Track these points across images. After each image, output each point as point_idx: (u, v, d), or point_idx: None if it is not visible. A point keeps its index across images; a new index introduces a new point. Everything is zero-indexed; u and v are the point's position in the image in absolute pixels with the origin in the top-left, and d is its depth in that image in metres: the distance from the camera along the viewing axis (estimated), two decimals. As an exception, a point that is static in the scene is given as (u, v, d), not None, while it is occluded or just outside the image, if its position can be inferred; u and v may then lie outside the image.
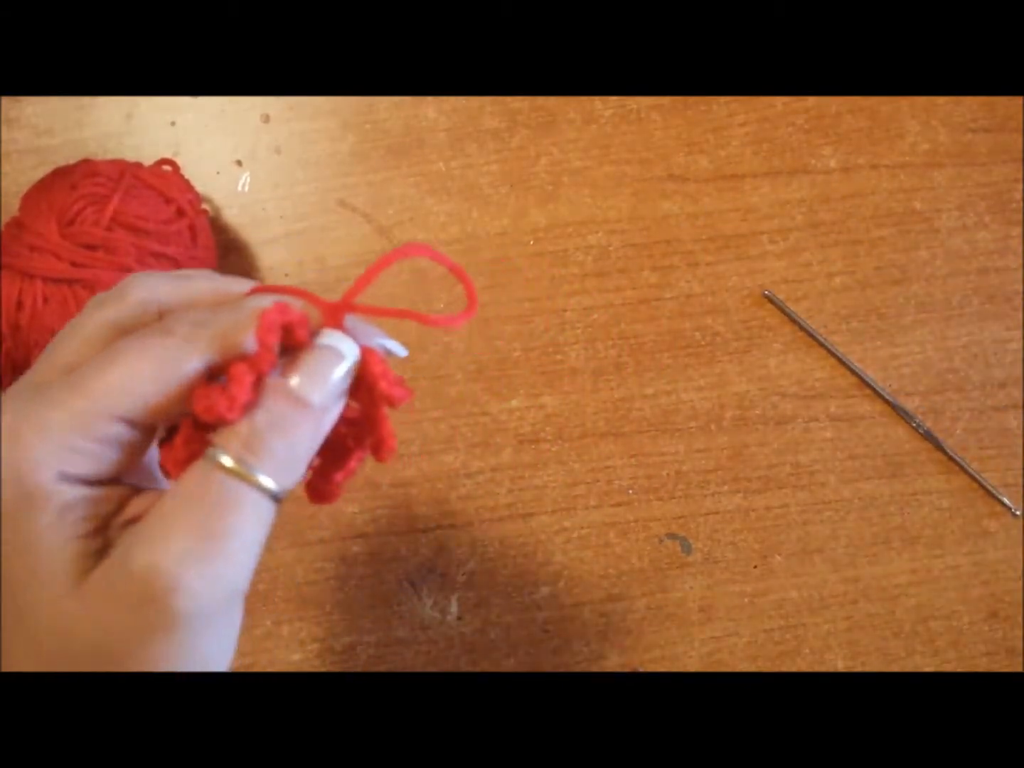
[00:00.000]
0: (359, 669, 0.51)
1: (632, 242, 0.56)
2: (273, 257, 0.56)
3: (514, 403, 0.55)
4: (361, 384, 0.28)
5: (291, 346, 0.27)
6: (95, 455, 0.26)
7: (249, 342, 0.27)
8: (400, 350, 0.30)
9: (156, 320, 0.28)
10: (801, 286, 0.56)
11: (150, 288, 0.28)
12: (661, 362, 0.55)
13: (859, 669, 0.53)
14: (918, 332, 0.56)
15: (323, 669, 0.52)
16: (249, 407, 0.26)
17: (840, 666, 0.53)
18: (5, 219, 0.53)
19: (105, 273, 0.46)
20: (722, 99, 0.58)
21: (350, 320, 0.28)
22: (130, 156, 0.56)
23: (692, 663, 0.52)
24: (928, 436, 0.54)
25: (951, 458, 0.54)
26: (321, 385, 0.27)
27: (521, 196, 0.56)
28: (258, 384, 0.26)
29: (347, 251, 0.56)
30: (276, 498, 0.26)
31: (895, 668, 0.53)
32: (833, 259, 0.56)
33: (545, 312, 0.55)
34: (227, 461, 0.25)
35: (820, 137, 0.58)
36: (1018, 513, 0.54)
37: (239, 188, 0.56)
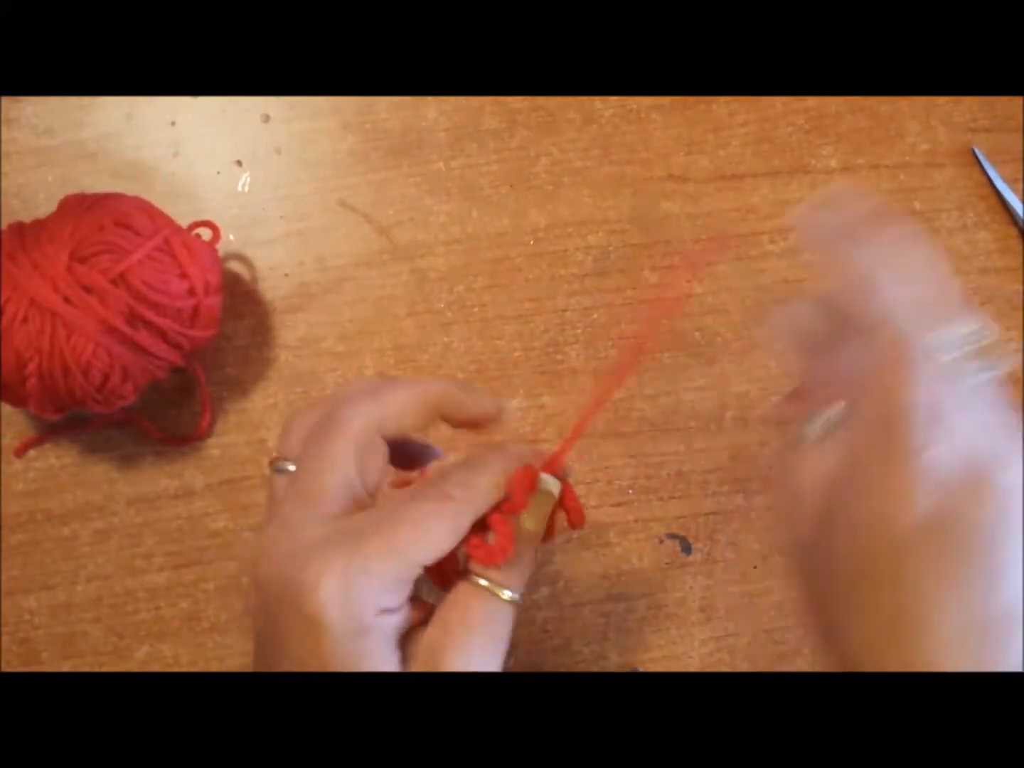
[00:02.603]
0: (359, 669, 0.51)
1: (632, 242, 0.56)
2: (273, 257, 0.56)
3: (514, 403, 0.54)
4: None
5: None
6: (402, 592, 0.33)
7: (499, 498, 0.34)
8: (571, 472, 0.38)
9: (376, 441, 0.35)
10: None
11: (365, 417, 0.35)
12: (661, 362, 0.55)
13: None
14: (918, 332, 0.56)
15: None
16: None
17: (840, 666, 0.53)
18: (5, 219, 0.53)
19: (89, 322, 0.45)
20: (722, 99, 0.58)
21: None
22: (130, 156, 0.56)
23: (692, 663, 0.52)
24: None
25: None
26: (541, 518, 0.35)
27: (521, 196, 0.56)
28: (513, 532, 0.34)
29: (347, 251, 0.56)
30: (516, 604, 0.34)
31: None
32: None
33: (545, 312, 0.55)
34: (485, 583, 0.34)
35: (820, 137, 0.58)
36: None
37: (239, 188, 0.56)
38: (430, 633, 0.33)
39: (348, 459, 0.34)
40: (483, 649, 0.33)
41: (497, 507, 0.35)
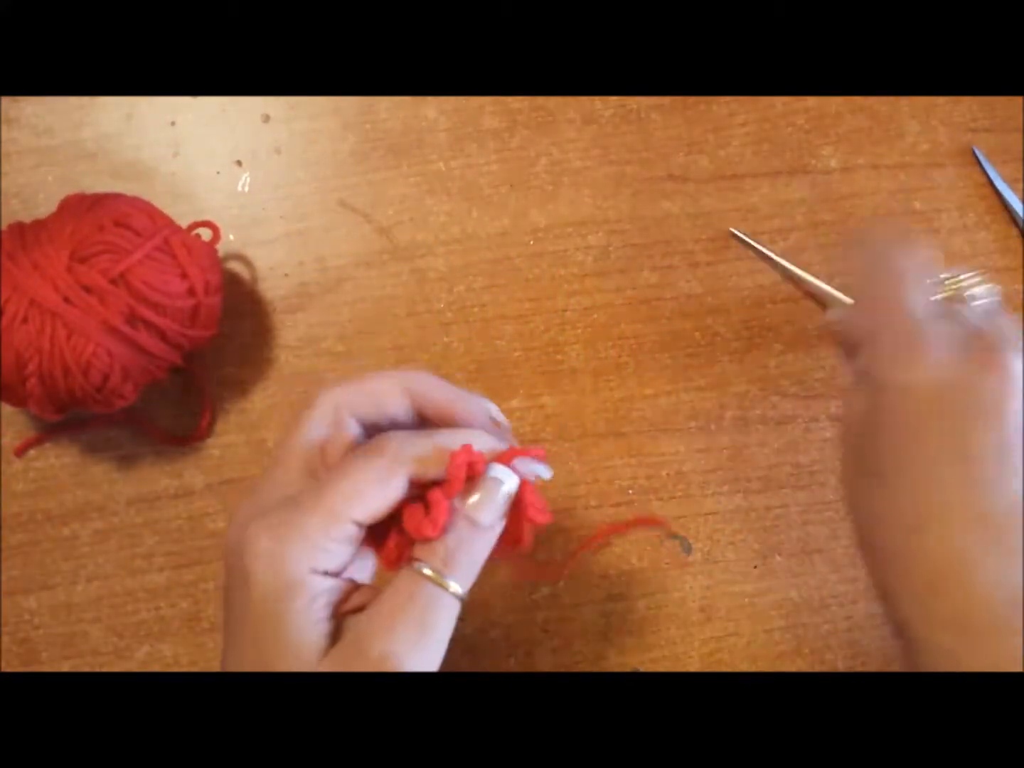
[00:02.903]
0: (359, 669, 0.51)
1: (632, 242, 0.56)
2: (273, 257, 0.56)
3: (514, 403, 0.54)
4: (515, 505, 0.35)
5: (469, 476, 0.34)
6: (335, 552, 0.33)
7: (438, 471, 0.34)
8: (546, 473, 0.36)
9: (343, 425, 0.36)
10: (801, 286, 0.56)
11: (338, 396, 0.36)
12: (661, 362, 0.55)
13: (859, 669, 0.53)
14: (918, 332, 0.56)
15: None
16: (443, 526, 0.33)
17: (840, 666, 0.53)
18: (5, 219, 0.53)
19: (89, 322, 0.45)
20: (722, 99, 0.58)
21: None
22: (130, 156, 0.56)
23: (692, 663, 0.52)
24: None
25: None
26: (491, 510, 0.34)
27: (521, 196, 0.56)
28: (449, 508, 0.34)
29: (347, 251, 0.56)
30: (461, 599, 0.33)
31: (895, 668, 0.53)
32: (833, 259, 0.56)
33: (545, 312, 0.55)
34: (428, 572, 0.33)
35: (820, 137, 0.58)
36: None
37: (239, 188, 0.56)
38: (363, 615, 0.33)
39: (310, 433, 0.35)
40: (413, 638, 0.32)
41: (437, 484, 0.34)
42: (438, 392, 0.36)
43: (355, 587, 0.35)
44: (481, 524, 0.34)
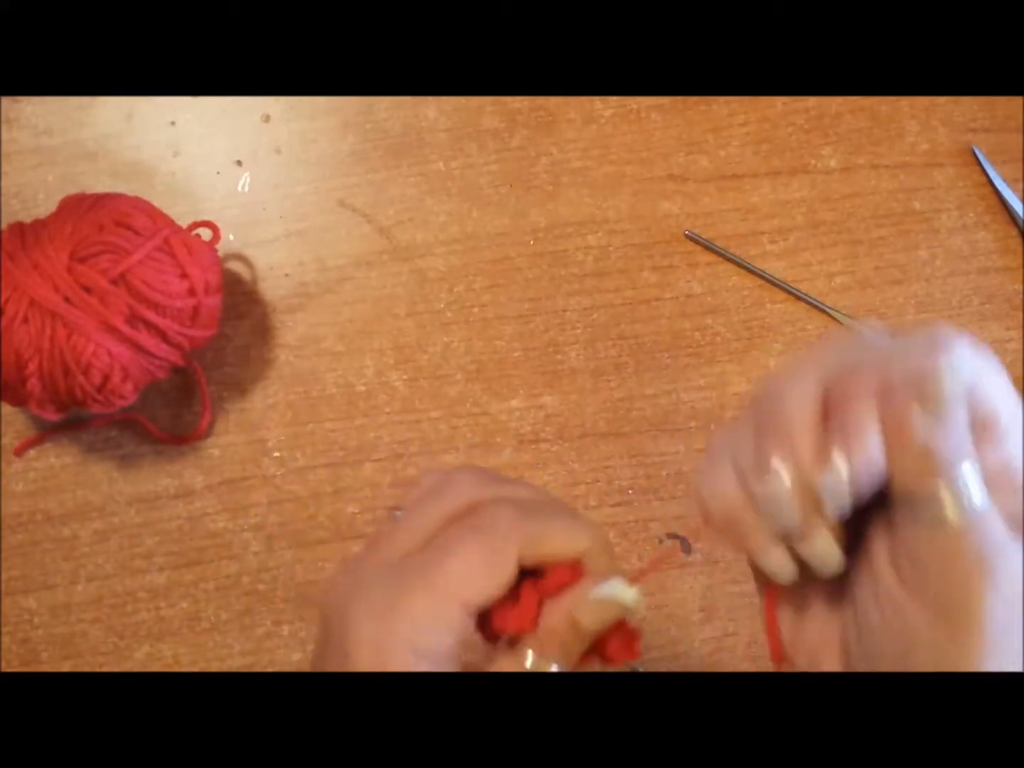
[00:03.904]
0: (359, 669, 0.51)
1: (632, 242, 0.56)
2: (273, 257, 0.56)
3: (514, 403, 0.54)
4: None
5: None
6: (443, 634, 0.31)
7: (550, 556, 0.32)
8: (630, 598, 0.34)
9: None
10: (801, 286, 0.56)
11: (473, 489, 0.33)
12: (661, 362, 0.55)
13: (859, 669, 0.53)
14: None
15: (323, 669, 0.52)
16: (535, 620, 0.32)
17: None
18: (5, 219, 0.53)
19: (89, 322, 0.45)
20: (722, 99, 0.58)
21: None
22: (130, 156, 0.56)
23: (692, 663, 0.52)
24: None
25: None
26: (594, 621, 0.33)
27: (521, 196, 0.56)
28: (541, 604, 0.32)
29: (347, 251, 0.56)
30: None
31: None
32: (833, 259, 0.56)
33: (545, 312, 0.55)
34: (531, 657, 0.32)
35: (820, 137, 0.58)
36: None
37: (239, 188, 0.56)
38: None
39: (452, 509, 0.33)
40: None
41: (534, 578, 0.32)
42: (597, 566, 0.33)
43: None
44: (579, 629, 0.32)
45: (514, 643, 0.32)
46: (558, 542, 0.32)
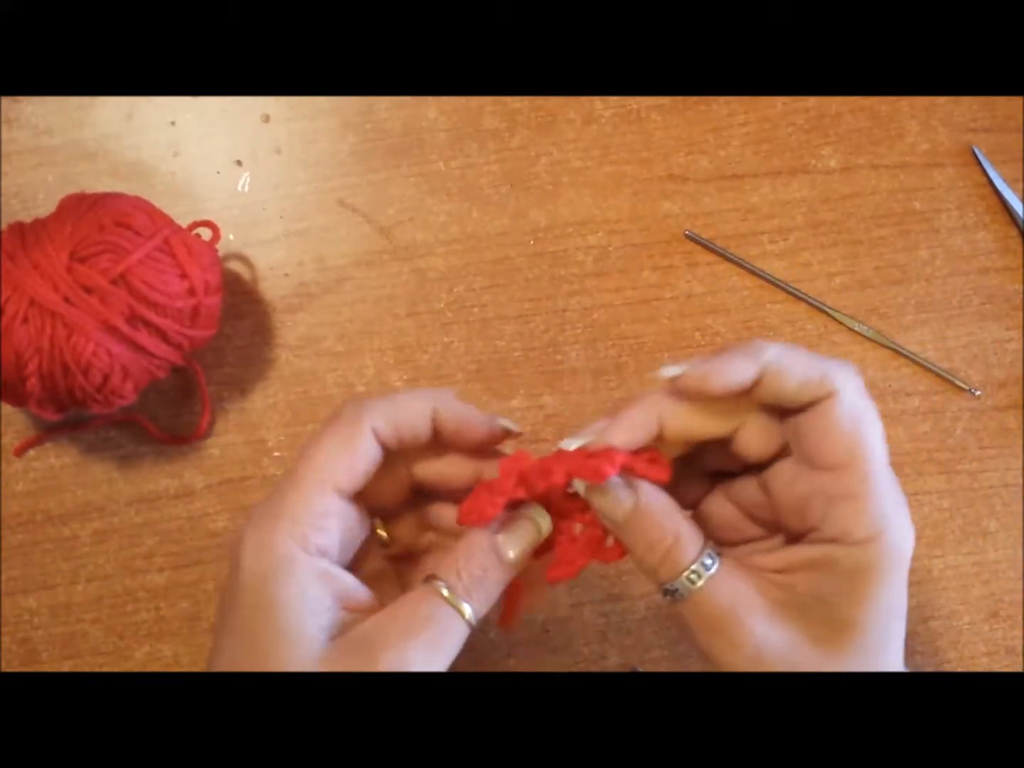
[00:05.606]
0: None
1: (632, 242, 0.56)
2: (273, 257, 0.56)
3: (514, 403, 0.54)
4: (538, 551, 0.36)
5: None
6: (322, 528, 0.33)
7: (410, 430, 0.35)
8: (513, 426, 0.38)
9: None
10: (801, 286, 0.56)
11: (364, 411, 0.35)
12: (661, 362, 0.55)
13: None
14: (918, 332, 0.56)
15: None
16: (494, 519, 0.35)
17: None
18: (5, 219, 0.53)
19: (89, 322, 0.45)
20: (722, 99, 0.58)
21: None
22: (130, 156, 0.56)
23: (692, 663, 0.52)
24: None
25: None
26: (519, 549, 0.35)
27: (521, 196, 0.56)
28: (503, 505, 0.34)
29: (347, 251, 0.56)
30: (470, 625, 0.33)
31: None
32: (833, 259, 0.56)
33: (545, 312, 0.55)
34: (446, 592, 0.33)
35: (820, 137, 0.58)
36: (978, 393, 0.55)
37: (239, 188, 0.56)
38: (372, 622, 0.33)
39: (332, 449, 0.35)
40: (423, 659, 0.32)
41: (486, 483, 0.35)
42: (459, 411, 0.36)
43: (357, 590, 0.34)
44: (507, 560, 0.34)
45: (430, 579, 0.34)
46: (404, 409, 0.35)
